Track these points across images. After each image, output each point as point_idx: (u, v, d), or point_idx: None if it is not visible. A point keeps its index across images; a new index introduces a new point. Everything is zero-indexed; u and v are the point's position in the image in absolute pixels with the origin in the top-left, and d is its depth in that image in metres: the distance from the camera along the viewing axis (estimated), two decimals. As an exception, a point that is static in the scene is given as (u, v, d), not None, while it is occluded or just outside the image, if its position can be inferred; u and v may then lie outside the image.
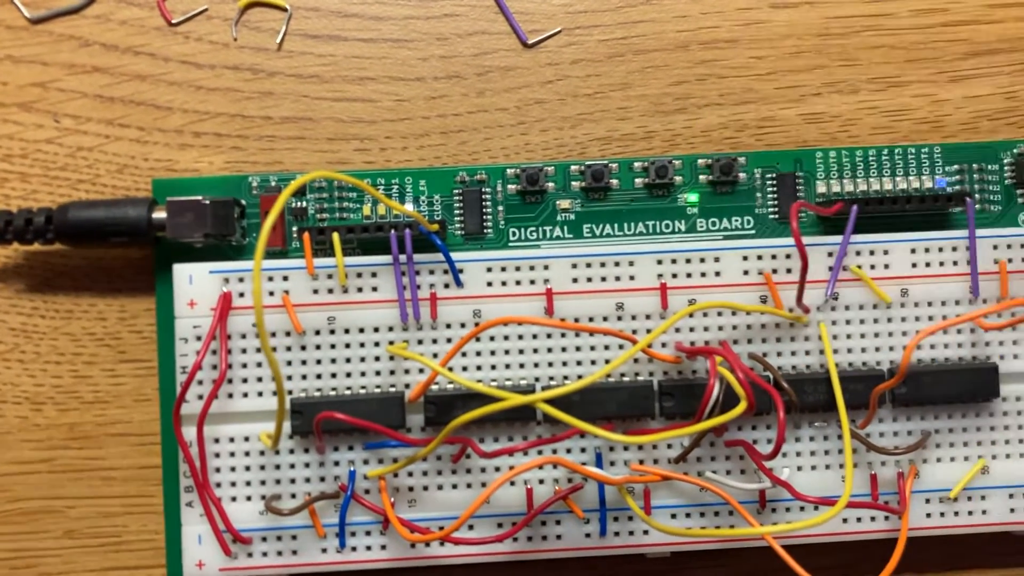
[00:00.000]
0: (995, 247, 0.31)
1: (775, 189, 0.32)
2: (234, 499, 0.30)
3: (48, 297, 0.32)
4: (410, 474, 0.30)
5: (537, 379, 0.30)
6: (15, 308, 0.32)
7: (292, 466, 0.30)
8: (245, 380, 0.30)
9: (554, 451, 0.30)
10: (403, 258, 0.30)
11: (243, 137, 0.32)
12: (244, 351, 0.30)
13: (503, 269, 0.30)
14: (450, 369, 0.29)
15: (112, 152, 0.32)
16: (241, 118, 0.32)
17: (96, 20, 0.32)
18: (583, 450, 0.30)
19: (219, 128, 0.32)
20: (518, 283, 0.30)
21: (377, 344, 0.30)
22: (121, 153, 0.32)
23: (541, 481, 0.30)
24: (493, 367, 0.30)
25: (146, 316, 0.32)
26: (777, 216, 0.32)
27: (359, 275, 0.30)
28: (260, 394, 0.30)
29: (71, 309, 0.32)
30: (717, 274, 0.30)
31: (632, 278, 0.30)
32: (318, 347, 0.30)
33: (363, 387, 0.30)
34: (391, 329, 0.30)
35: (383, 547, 0.30)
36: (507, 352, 0.30)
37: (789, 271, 0.30)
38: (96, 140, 0.32)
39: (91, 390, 0.32)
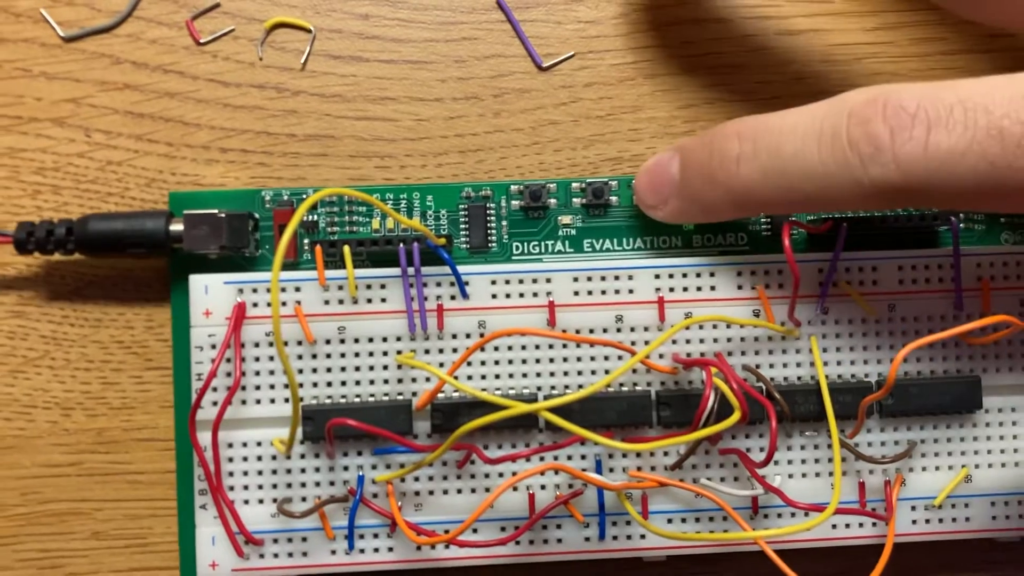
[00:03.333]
0: (978, 264, 0.32)
1: (769, 207, 0.33)
2: (247, 502, 0.31)
3: (78, 306, 0.33)
4: (416, 479, 0.31)
5: (539, 387, 0.31)
6: (46, 316, 0.33)
7: (303, 470, 0.31)
8: (258, 387, 0.31)
9: (555, 457, 0.31)
10: (411, 271, 0.31)
11: (268, 153, 0.33)
12: (257, 359, 0.31)
13: (507, 282, 0.31)
14: (456, 378, 0.30)
15: (141, 166, 0.33)
16: (266, 135, 0.33)
17: (127, 39, 0.33)
18: (583, 456, 0.31)
19: (245, 144, 0.33)
20: (521, 295, 0.31)
21: (385, 353, 0.31)
22: (149, 168, 0.33)
23: (543, 486, 0.31)
24: (497, 376, 0.31)
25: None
26: (770, 232, 0.33)
27: (368, 287, 0.31)
28: (272, 401, 0.31)
29: (100, 318, 0.33)
30: (712, 288, 0.31)
31: (631, 291, 0.31)
32: (328, 356, 0.31)
33: (372, 395, 0.31)
34: (399, 339, 0.31)
35: (390, 549, 0.31)
36: (511, 361, 0.31)
37: (781, 286, 0.31)
38: (125, 155, 0.33)
39: (118, 396, 0.33)
